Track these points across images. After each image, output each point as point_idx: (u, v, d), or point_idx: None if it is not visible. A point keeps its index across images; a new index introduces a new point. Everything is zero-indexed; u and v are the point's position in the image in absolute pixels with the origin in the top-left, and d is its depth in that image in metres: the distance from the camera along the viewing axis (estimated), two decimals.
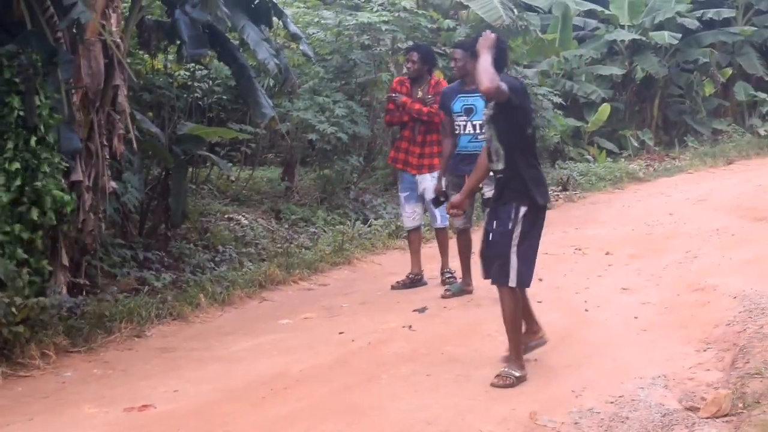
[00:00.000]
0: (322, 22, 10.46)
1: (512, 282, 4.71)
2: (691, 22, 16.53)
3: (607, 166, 14.12)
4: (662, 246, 8.48)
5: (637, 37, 16.54)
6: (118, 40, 6.18)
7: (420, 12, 10.96)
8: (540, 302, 6.21)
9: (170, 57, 8.42)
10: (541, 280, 6.53)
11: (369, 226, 9.23)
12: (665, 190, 12.48)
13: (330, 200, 10.08)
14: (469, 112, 6.50)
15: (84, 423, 4.31)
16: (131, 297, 6.16)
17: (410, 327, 5.93)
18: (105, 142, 6.16)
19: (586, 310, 6.28)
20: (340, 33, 10.37)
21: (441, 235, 7.17)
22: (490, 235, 4.83)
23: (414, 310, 6.38)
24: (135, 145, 6.46)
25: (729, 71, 17.89)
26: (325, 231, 8.98)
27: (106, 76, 6.07)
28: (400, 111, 7.07)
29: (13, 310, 4.97)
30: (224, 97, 9.89)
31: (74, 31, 5.92)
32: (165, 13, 7.56)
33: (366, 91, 10.64)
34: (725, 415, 4.14)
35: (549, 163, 13.94)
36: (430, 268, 7.29)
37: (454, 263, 7.03)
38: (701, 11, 16.88)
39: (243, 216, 9.02)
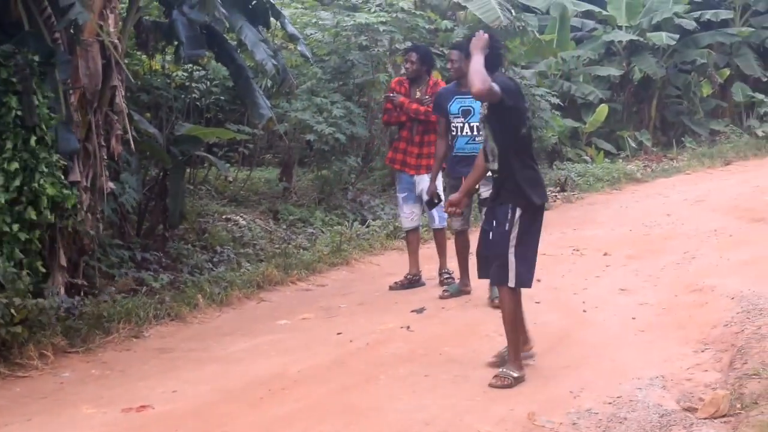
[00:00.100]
0: (320, 22, 10.46)
1: (511, 282, 4.72)
2: (689, 23, 16.53)
3: (604, 166, 14.11)
4: (660, 247, 8.49)
5: (634, 37, 16.55)
6: (116, 41, 6.18)
7: (418, 13, 10.96)
8: (538, 303, 6.23)
9: (168, 58, 8.40)
10: (539, 280, 6.49)
11: (367, 226, 9.23)
12: (663, 191, 12.48)
13: (328, 201, 10.08)
14: (466, 113, 6.49)
15: (82, 423, 4.31)
16: (129, 297, 6.16)
17: (408, 328, 5.93)
18: (103, 143, 6.16)
19: (584, 311, 6.28)
20: (338, 34, 10.38)
21: (439, 236, 7.16)
22: (490, 234, 4.83)
23: (412, 311, 6.38)
24: (133, 146, 6.46)
25: (727, 72, 17.92)
26: (323, 231, 8.98)
27: (104, 76, 6.07)
28: (397, 111, 7.06)
29: (12, 311, 4.96)
30: (222, 97, 9.90)
31: (72, 31, 5.92)
32: (163, 14, 7.55)
33: (364, 92, 10.64)
34: (723, 416, 4.14)
35: (547, 163, 13.93)
36: (428, 268, 7.29)
37: (452, 264, 7.03)
38: (699, 12, 16.91)
39: (241, 217, 9.02)
